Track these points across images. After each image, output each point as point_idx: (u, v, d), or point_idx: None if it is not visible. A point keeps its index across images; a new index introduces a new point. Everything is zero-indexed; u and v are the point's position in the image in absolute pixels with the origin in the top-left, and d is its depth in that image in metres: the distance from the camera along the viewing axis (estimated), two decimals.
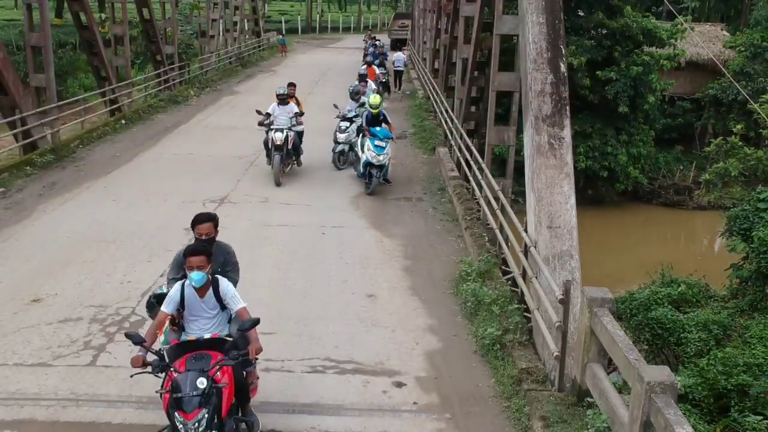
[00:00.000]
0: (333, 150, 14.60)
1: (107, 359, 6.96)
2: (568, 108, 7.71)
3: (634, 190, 25.61)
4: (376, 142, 12.73)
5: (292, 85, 14.19)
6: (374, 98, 13.64)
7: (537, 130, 7.55)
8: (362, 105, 14.56)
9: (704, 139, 28.49)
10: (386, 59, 24.18)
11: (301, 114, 13.60)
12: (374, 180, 12.82)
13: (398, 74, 27.93)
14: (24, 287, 8.58)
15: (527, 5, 8.14)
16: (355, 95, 15.05)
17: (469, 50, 14.68)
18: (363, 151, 12.90)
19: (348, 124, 14.33)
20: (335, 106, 15.12)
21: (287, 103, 13.39)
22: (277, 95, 13.38)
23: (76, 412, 6.09)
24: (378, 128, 12.97)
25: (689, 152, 28.15)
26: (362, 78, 17.41)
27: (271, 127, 13.08)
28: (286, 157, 13.23)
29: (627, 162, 24.31)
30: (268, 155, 13.35)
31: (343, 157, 14.56)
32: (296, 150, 13.60)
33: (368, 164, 12.76)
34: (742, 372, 9.03)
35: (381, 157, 12.70)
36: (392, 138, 13.26)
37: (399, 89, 27.57)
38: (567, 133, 7.55)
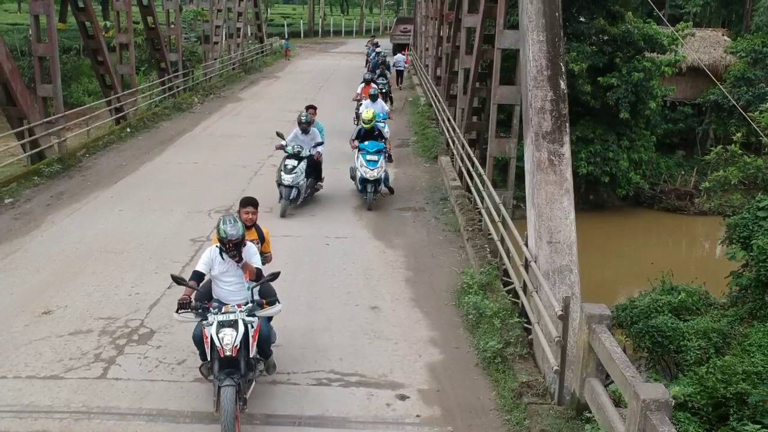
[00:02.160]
0: (281, 194, 12.18)
1: (117, 372, 7.11)
2: (567, 125, 7.87)
3: (635, 195, 25.80)
4: (368, 157, 12.53)
5: (249, 204, 7.14)
6: (367, 113, 13.29)
7: (537, 147, 7.72)
8: (320, 145, 12.73)
9: (706, 144, 28.66)
10: (388, 69, 24.02)
11: (271, 278, 6.24)
12: (369, 195, 12.66)
13: (399, 73, 32.11)
14: (34, 299, 8.75)
15: (528, 23, 8.31)
16: (306, 125, 12.53)
17: (470, 61, 14.82)
18: (358, 168, 12.70)
19: (296, 162, 12.06)
20: (279, 135, 12.63)
21: (241, 247, 6.17)
22: (223, 240, 6.04)
23: (89, 424, 6.25)
24: (366, 142, 12.76)
25: (691, 157, 28.30)
26: (373, 99, 15.69)
27: (211, 311, 6.03)
28: (242, 383, 6.04)
29: (628, 167, 24.50)
30: (206, 369, 6.37)
31: (295, 203, 12.33)
32: (263, 349, 6.51)
33: (364, 180, 12.63)
34: (741, 380, 9.15)
35: (374, 172, 12.48)
36: (383, 149, 12.84)
37: (400, 85, 31.18)
38: (567, 149, 7.72)
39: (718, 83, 19.65)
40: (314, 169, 12.69)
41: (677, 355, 11.25)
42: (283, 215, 11.96)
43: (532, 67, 8.07)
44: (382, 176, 12.81)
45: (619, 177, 24.54)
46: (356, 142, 12.90)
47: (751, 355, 9.94)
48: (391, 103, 25.23)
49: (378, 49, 30.31)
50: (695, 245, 25.93)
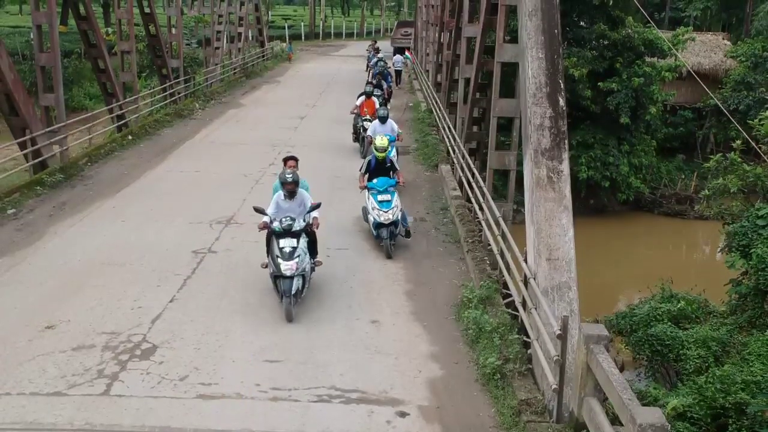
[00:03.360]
0: (280, 291, 8.82)
1: (120, 388, 7.16)
2: (566, 141, 7.94)
3: (635, 199, 25.88)
4: (380, 198, 10.99)
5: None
6: (382, 140, 11.67)
7: (536, 164, 7.78)
8: (316, 208, 9.22)
9: (706, 148, 28.74)
10: (385, 79, 23.46)
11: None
12: (386, 242, 10.86)
13: (398, 73, 33.19)
14: (37, 313, 8.80)
15: (527, 40, 8.37)
16: (293, 185, 9.12)
17: (471, 70, 14.85)
18: (370, 211, 11.16)
19: (294, 242, 8.78)
20: (259, 211, 9.11)
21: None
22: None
23: None
24: (375, 180, 11.30)
25: (691, 161, 28.38)
26: (383, 120, 14.45)
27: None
28: None
29: (628, 172, 24.60)
30: None
31: (300, 296, 8.98)
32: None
33: (378, 225, 11.02)
34: (740, 390, 9.20)
35: (389, 214, 10.83)
36: (396, 184, 11.38)
37: (399, 86, 32.24)
38: (565, 166, 7.79)
39: (711, 94, 19.71)
40: (311, 242, 9.34)
41: (677, 364, 11.31)
42: (290, 319, 8.69)
43: (531, 83, 8.14)
44: (399, 217, 11.05)
45: (619, 181, 24.65)
46: (365, 180, 11.46)
47: (750, 364, 9.99)
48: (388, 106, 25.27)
49: (379, 55, 30.27)
50: (695, 249, 25.99)
